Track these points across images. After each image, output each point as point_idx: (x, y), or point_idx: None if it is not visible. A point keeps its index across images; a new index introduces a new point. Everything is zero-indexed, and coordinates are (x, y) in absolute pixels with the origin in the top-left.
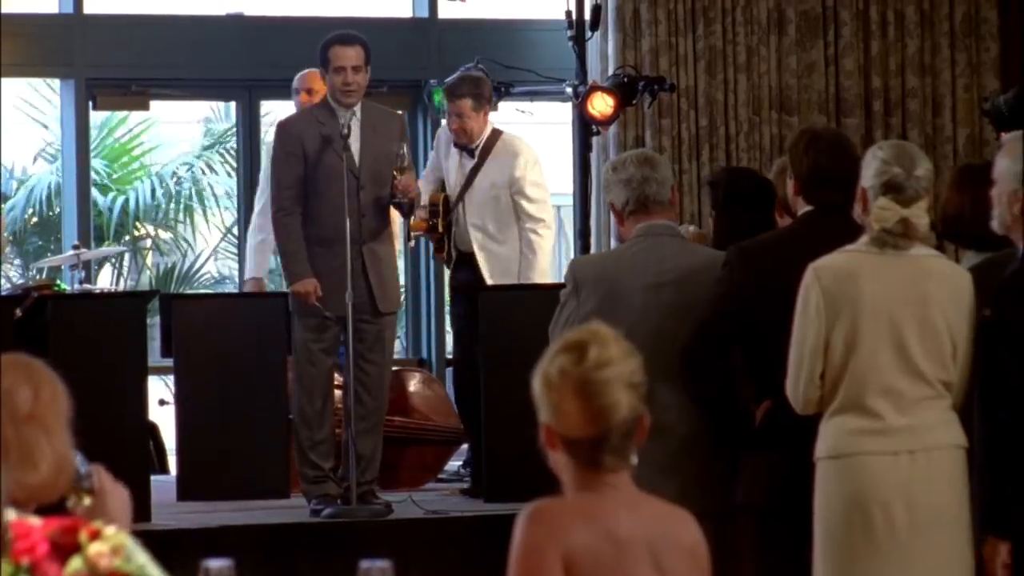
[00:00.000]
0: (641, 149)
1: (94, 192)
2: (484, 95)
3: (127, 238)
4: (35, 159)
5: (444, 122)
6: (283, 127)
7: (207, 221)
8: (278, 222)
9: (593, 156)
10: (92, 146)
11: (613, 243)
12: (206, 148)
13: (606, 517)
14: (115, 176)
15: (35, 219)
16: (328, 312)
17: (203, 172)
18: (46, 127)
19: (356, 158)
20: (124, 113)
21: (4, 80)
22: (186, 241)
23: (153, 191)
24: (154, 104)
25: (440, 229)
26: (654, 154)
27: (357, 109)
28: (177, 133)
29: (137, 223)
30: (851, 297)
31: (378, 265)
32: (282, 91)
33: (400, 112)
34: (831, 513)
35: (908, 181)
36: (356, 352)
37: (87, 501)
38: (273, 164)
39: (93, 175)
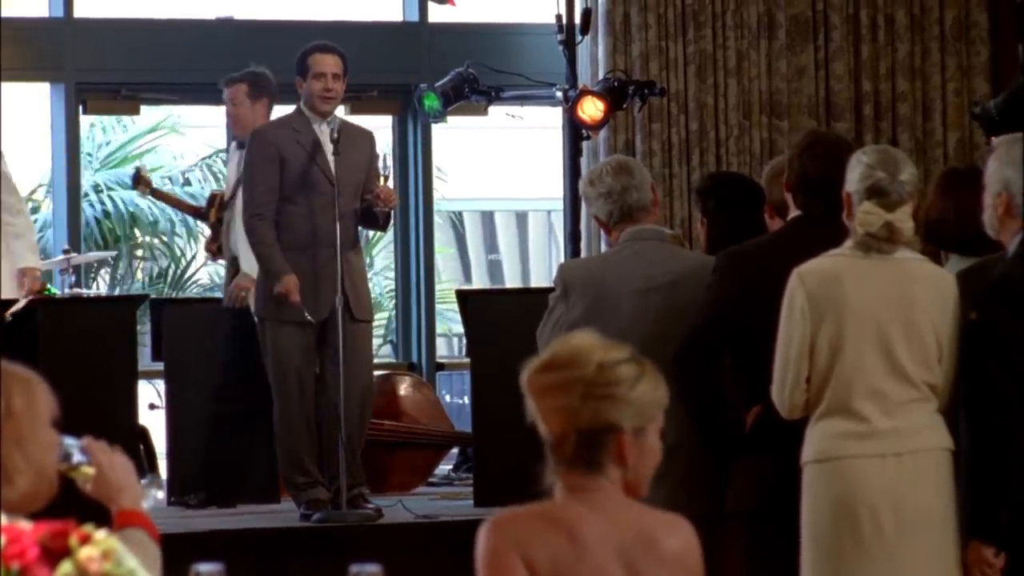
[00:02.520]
0: (614, 157)
1: (108, 200)
2: (263, 87)
3: (117, 244)
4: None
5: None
6: (260, 133)
7: (197, 226)
8: (252, 225)
9: (583, 160)
10: (111, 155)
11: (603, 247)
12: (205, 157)
13: (572, 524)
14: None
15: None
16: (297, 319)
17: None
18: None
19: (332, 166)
20: (146, 124)
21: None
22: (178, 248)
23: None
24: (157, 110)
25: (211, 219)
26: (628, 160)
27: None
28: (174, 139)
29: (134, 229)
30: (836, 301)
31: (351, 273)
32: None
33: (370, 130)
34: (818, 517)
35: (892, 185)
36: (332, 359)
37: (90, 472)
38: (248, 169)
39: (116, 184)
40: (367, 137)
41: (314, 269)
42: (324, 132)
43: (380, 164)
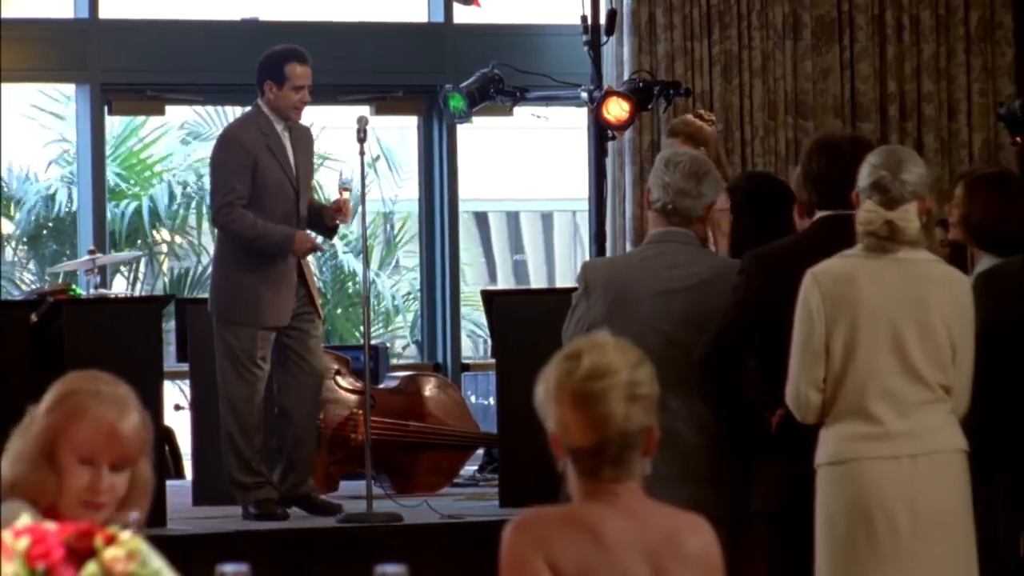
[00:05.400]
0: (701, 159)
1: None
2: None
3: (140, 243)
4: (48, 166)
5: None
6: (235, 138)
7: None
8: (230, 216)
9: (608, 161)
10: (110, 152)
11: (628, 246)
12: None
13: (596, 525)
14: (131, 181)
15: (50, 223)
16: (269, 323)
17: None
18: (64, 139)
19: (294, 169)
20: (142, 118)
21: (20, 86)
22: (202, 246)
23: (171, 196)
24: (171, 109)
25: None
26: (708, 167)
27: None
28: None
29: (154, 229)
30: (850, 301)
31: (310, 274)
32: None
33: (309, 125)
34: (833, 519)
35: (892, 184)
36: (297, 355)
37: None
38: (221, 169)
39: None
40: (310, 134)
41: (276, 275)
42: (285, 136)
43: (340, 179)
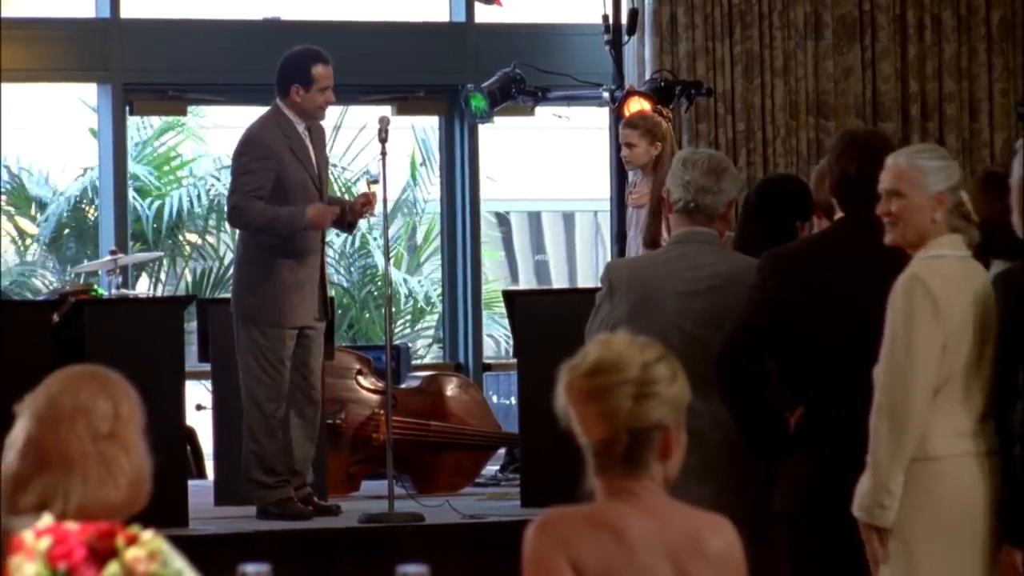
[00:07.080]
0: (717, 154)
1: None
2: None
3: (169, 243)
4: (76, 177)
5: None
6: (260, 140)
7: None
8: (243, 206)
9: None
10: (135, 153)
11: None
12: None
13: (618, 524)
14: (158, 183)
15: (72, 224)
16: (294, 323)
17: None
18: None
19: (315, 168)
20: (167, 120)
21: (42, 86)
22: (225, 245)
23: (196, 197)
24: (192, 109)
25: None
26: (727, 164)
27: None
28: (217, 138)
29: (176, 230)
30: (956, 303)
31: (325, 278)
32: None
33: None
34: (923, 517)
35: None
36: (296, 358)
37: None
38: (244, 171)
39: (136, 181)
40: (323, 130)
41: (303, 276)
42: (306, 136)
43: (368, 173)
